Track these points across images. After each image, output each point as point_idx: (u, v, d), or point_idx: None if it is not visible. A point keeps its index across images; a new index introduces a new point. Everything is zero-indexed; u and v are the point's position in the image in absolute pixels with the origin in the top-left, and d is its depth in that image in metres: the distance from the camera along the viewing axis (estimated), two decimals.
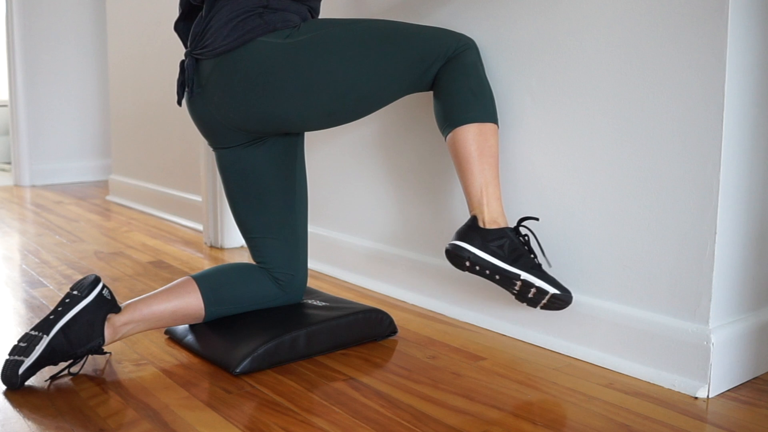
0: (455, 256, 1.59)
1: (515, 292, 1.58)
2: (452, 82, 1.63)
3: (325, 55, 1.59)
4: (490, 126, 1.62)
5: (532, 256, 1.58)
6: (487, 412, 1.38)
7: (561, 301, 1.55)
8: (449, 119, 1.63)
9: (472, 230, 1.59)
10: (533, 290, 1.55)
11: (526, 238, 1.61)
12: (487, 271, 1.57)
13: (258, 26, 1.58)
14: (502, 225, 1.59)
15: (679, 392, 1.45)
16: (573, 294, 1.62)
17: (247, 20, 1.58)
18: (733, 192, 1.44)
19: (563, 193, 1.67)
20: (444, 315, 1.95)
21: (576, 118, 1.63)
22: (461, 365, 1.61)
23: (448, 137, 1.64)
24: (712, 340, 1.42)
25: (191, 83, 1.65)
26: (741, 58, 1.40)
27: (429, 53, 1.64)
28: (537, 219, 1.64)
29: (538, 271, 1.56)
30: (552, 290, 1.54)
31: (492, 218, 1.59)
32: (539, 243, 1.64)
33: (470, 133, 1.60)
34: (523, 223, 1.63)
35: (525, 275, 1.54)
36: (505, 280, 1.56)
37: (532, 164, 1.73)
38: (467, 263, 1.58)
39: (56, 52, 4.61)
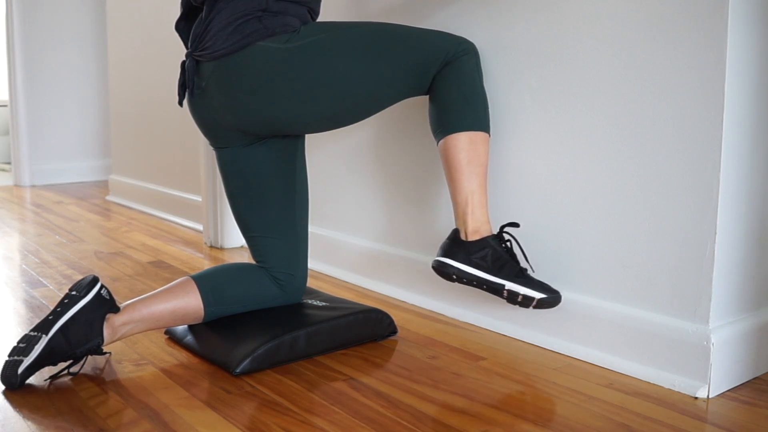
0: (442, 273, 1.65)
1: (504, 298, 1.62)
2: (447, 88, 1.66)
3: (324, 60, 1.59)
4: (480, 134, 1.65)
5: (515, 262, 1.62)
6: (487, 412, 1.38)
7: (548, 303, 1.60)
8: (441, 126, 1.66)
9: (455, 244, 1.64)
10: (520, 297, 1.59)
11: (509, 244, 1.64)
12: (474, 282, 1.63)
13: (257, 30, 1.58)
14: (485, 234, 1.62)
15: (679, 392, 1.45)
16: (564, 293, 1.65)
17: (246, 23, 1.58)
18: (733, 192, 1.44)
19: (563, 193, 1.67)
20: (444, 315, 1.95)
21: (576, 118, 1.63)
22: (461, 365, 1.61)
23: (439, 143, 1.67)
24: (712, 340, 1.42)
25: (192, 84, 1.66)
26: (741, 58, 1.40)
27: (427, 58, 1.65)
28: (518, 225, 1.66)
29: (522, 278, 1.60)
30: (538, 295, 1.58)
31: (475, 228, 1.62)
32: (522, 248, 1.68)
33: (461, 142, 1.63)
34: (505, 230, 1.66)
35: (509, 284, 1.59)
36: (493, 290, 1.62)
37: (532, 164, 1.73)
38: (454, 277, 1.64)
39: (56, 52, 4.61)
